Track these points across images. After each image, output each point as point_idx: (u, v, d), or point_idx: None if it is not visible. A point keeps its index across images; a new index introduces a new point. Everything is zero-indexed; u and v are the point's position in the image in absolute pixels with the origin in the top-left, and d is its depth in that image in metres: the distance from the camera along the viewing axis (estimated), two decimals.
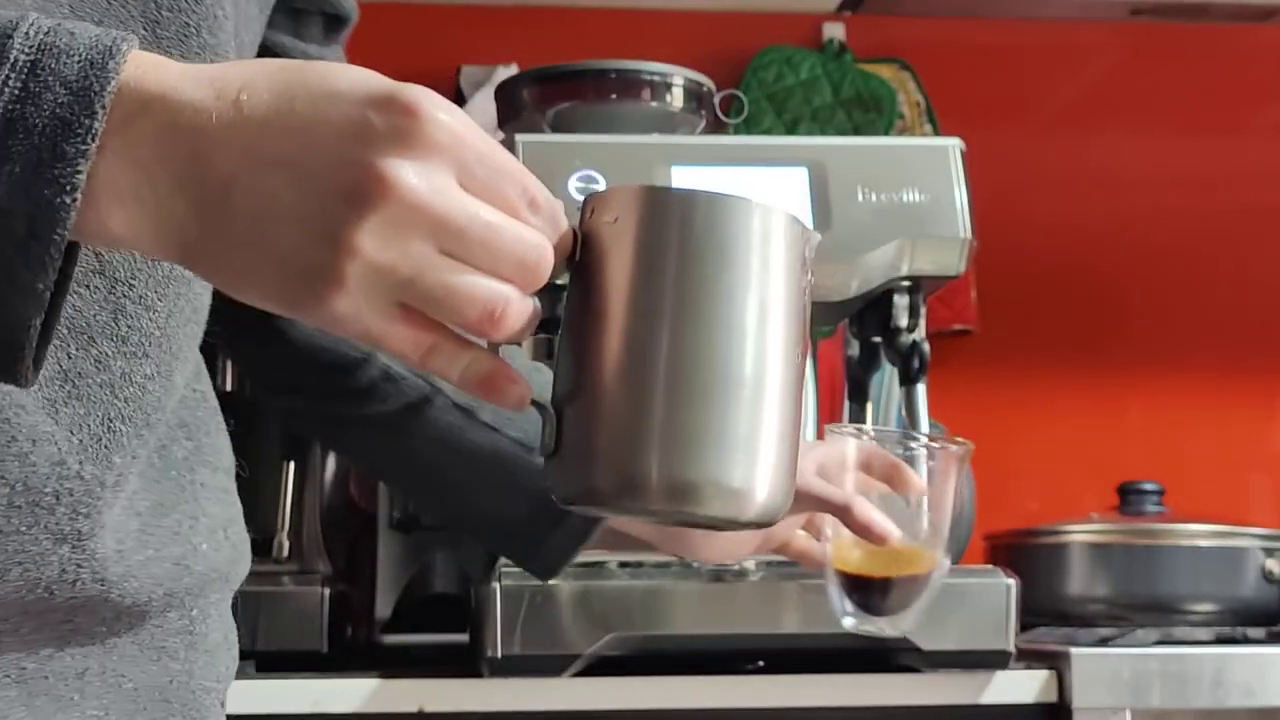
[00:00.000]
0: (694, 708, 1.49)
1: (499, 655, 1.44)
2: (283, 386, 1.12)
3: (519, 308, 0.65)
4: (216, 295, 0.86)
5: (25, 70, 0.61)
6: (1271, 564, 1.77)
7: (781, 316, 0.70)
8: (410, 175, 0.62)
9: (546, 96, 1.63)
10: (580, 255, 0.69)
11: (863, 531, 1.14)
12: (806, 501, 1.12)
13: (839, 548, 1.19)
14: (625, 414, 0.68)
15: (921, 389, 1.53)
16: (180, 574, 0.82)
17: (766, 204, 0.69)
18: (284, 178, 0.61)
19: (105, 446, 0.77)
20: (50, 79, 0.61)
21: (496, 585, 1.45)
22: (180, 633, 0.85)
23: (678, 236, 0.69)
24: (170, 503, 0.83)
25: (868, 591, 1.20)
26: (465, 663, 1.52)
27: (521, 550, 1.16)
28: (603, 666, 1.48)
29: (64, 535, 0.75)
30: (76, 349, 0.76)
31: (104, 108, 0.61)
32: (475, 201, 0.64)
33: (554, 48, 1.96)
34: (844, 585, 1.20)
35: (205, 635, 0.87)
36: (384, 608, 1.99)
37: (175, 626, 0.84)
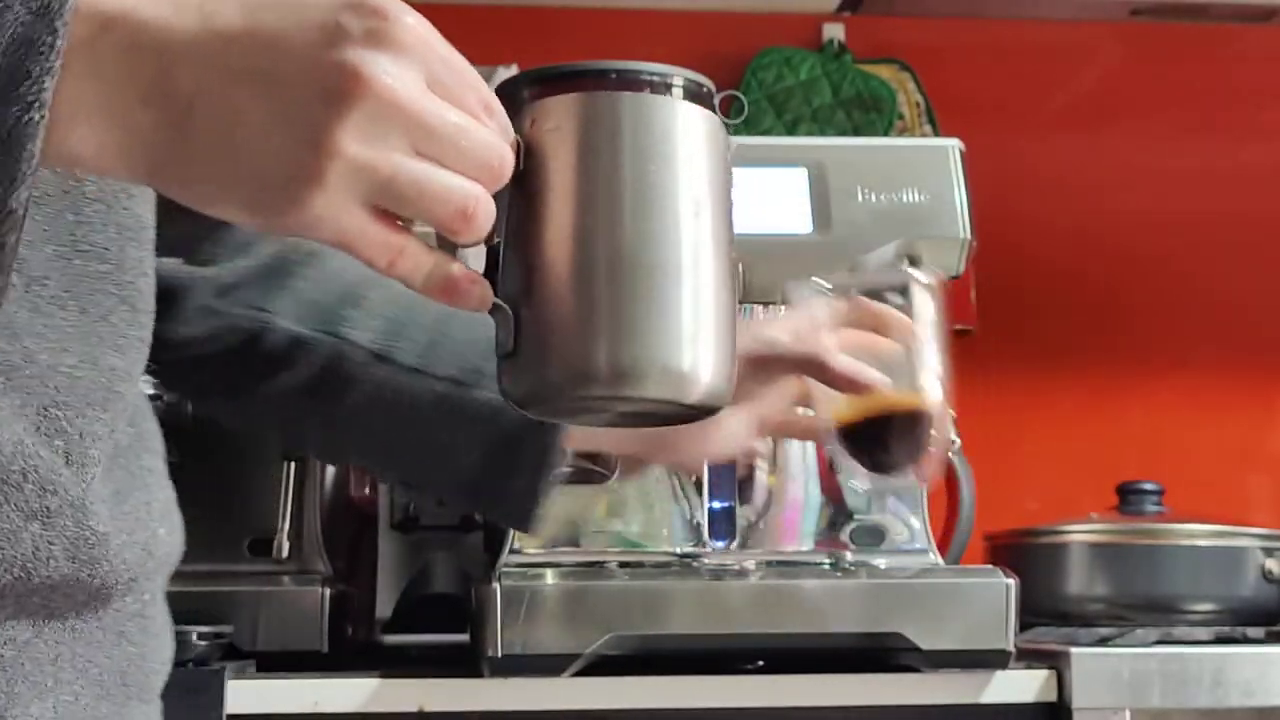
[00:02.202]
0: (694, 707, 1.49)
1: (499, 655, 1.44)
2: (186, 363, 1.07)
3: (487, 206, 0.67)
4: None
5: None
6: (1271, 564, 1.77)
7: (710, 208, 0.75)
8: (387, 73, 0.63)
9: (546, 96, 1.63)
10: (525, 163, 0.73)
11: (844, 383, 1.08)
12: (781, 365, 1.07)
13: (833, 410, 1.13)
14: (572, 308, 0.71)
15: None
16: (144, 559, 0.84)
17: (691, 105, 0.76)
18: (256, 88, 0.62)
19: (46, 434, 0.78)
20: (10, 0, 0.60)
21: (496, 585, 1.45)
22: (135, 616, 0.86)
23: (613, 138, 0.74)
24: (126, 489, 0.84)
25: (871, 444, 1.14)
26: (465, 662, 1.52)
27: (491, 500, 1.08)
28: (603, 666, 1.48)
29: (33, 512, 0.76)
30: (4, 343, 0.77)
31: (65, 24, 0.60)
32: (443, 103, 0.66)
33: (554, 48, 1.96)
34: (846, 445, 1.13)
35: (154, 619, 0.88)
36: (384, 608, 1.99)
37: (131, 610, 0.85)
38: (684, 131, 0.76)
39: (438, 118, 0.65)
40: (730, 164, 0.77)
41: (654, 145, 0.75)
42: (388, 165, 0.64)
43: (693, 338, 0.73)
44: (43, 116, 0.60)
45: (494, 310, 0.72)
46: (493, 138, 0.69)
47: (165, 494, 0.89)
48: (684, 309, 0.73)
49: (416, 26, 0.65)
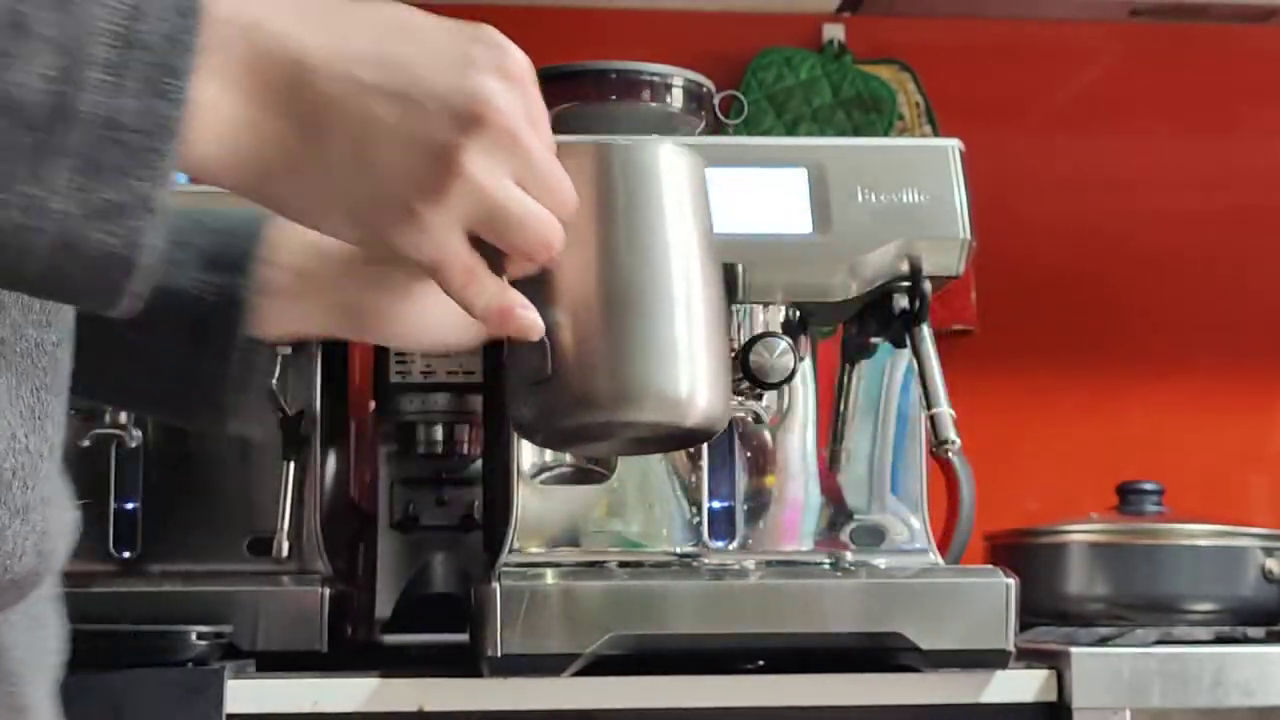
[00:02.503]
0: (694, 707, 1.49)
1: (499, 655, 1.44)
2: None
3: (561, 238, 0.72)
4: None
5: None
6: (1271, 564, 1.77)
7: (698, 242, 0.81)
8: (510, 105, 0.68)
9: (547, 96, 1.62)
10: None
11: None
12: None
13: None
14: (587, 339, 0.78)
15: (926, 331, 1.51)
16: (73, 542, 0.84)
17: (676, 150, 0.81)
18: (389, 105, 0.66)
19: (38, 416, 0.77)
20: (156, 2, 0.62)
21: (496, 585, 1.45)
22: (50, 599, 0.86)
23: (610, 188, 0.80)
24: (57, 473, 0.84)
25: None
26: (465, 662, 1.52)
27: (178, 393, 0.99)
28: (603, 666, 1.48)
29: (16, 509, 0.76)
30: None
31: (203, 26, 0.62)
32: (538, 138, 0.71)
33: (554, 48, 1.96)
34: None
35: (56, 601, 0.88)
36: (384, 608, 1.99)
37: (48, 594, 0.85)
38: (671, 176, 0.81)
39: (540, 152, 0.70)
40: (708, 195, 0.83)
41: (648, 192, 0.80)
42: (500, 191, 0.68)
43: (689, 365, 0.79)
44: (183, 114, 0.61)
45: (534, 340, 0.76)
46: (565, 176, 0.73)
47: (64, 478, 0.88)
48: (679, 339, 0.79)
49: (525, 62, 0.70)
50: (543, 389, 0.77)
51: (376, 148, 0.66)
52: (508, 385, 0.82)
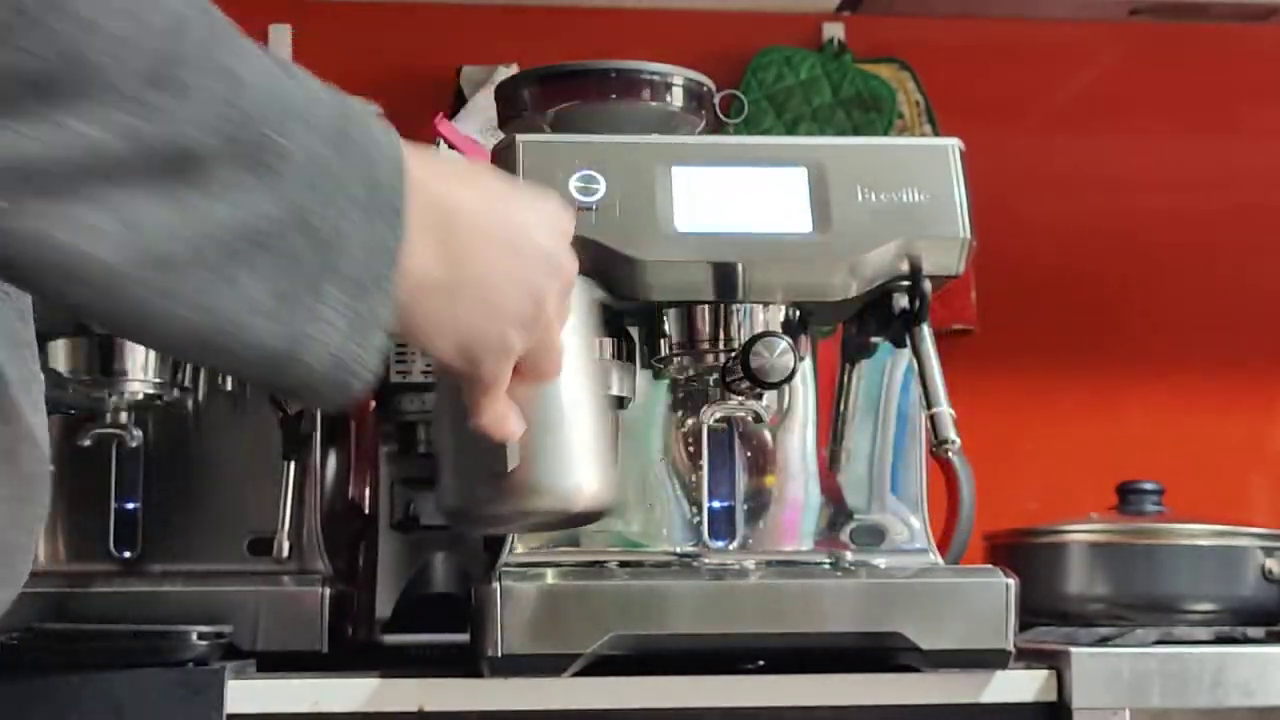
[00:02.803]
0: (694, 707, 1.49)
1: (499, 655, 1.44)
2: None
3: None
4: None
5: (370, 122, 0.76)
6: (1271, 563, 1.77)
7: (585, 359, 0.99)
8: (573, 258, 0.88)
9: (547, 96, 1.63)
10: None
11: None
12: None
13: None
14: (524, 446, 0.94)
15: (926, 330, 1.51)
16: None
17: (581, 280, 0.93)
18: (509, 254, 0.82)
19: (36, 406, 0.82)
20: (376, 149, 0.76)
21: (497, 585, 1.45)
22: None
23: None
24: None
25: None
26: (465, 662, 1.52)
27: None
28: (603, 666, 1.48)
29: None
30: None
31: (408, 182, 0.76)
32: None
33: (554, 48, 1.96)
34: None
35: None
36: (384, 608, 1.99)
37: None
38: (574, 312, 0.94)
39: None
40: (598, 314, 1.04)
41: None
42: (554, 327, 0.87)
43: (577, 461, 0.97)
44: (402, 246, 0.75)
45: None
46: None
47: None
48: (569, 445, 0.96)
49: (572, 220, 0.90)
50: (495, 481, 0.94)
51: (495, 288, 0.81)
52: (456, 477, 0.98)
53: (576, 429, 0.96)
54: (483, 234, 0.80)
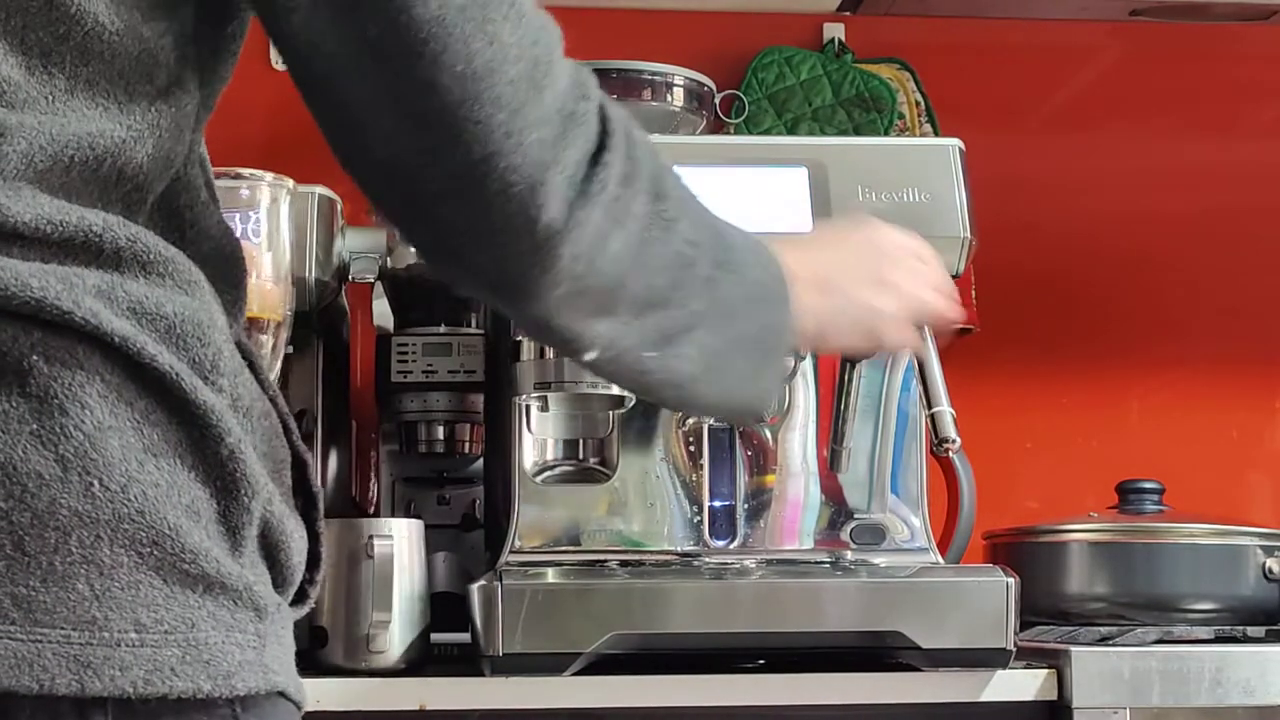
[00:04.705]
0: (694, 706, 1.49)
1: (500, 654, 1.45)
2: None
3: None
4: None
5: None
6: (1271, 562, 1.77)
7: None
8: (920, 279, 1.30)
9: None
10: None
11: None
12: None
13: None
14: None
15: (926, 330, 1.50)
16: None
17: None
18: (847, 270, 1.21)
19: None
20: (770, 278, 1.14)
21: (497, 584, 1.45)
22: None
23: None
24: None
25: None
26: (466, 661, 1.52)
27: None
28: (603, 665, 1.48)
29: None
30: None
31: (786, 270, 1.14)
32: None
33: None
34: None
35: None
36: None
37: None
38: None
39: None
40: None
41: None
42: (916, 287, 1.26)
43: None
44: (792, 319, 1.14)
45: None
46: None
47: None
48: None
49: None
50: None
51: (850, 299, 1.19)
52: None
53: None
54: (840, 286, 1.19)
